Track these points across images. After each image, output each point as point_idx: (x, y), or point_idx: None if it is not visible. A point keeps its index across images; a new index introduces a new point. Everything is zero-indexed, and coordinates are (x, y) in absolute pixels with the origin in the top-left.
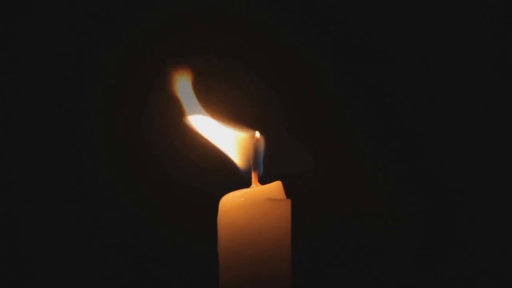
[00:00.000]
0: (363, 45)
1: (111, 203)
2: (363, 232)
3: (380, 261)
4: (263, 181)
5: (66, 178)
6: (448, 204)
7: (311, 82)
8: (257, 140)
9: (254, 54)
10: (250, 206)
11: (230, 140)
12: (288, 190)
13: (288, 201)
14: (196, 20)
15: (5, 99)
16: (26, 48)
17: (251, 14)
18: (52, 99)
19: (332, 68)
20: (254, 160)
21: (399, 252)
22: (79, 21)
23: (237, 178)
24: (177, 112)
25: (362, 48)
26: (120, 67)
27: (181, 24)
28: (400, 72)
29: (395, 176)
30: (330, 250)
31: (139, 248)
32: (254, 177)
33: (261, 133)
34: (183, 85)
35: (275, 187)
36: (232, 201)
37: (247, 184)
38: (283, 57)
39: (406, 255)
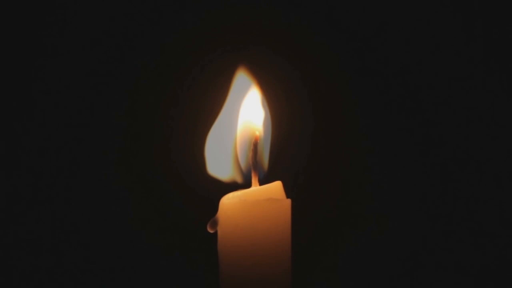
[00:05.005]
0: (365, 44)
1: (110, 203)
2: (363, 232)
3: (380, 260)
4: (263, 181)
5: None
6: (448, 204)
7: (311, 81)
8: (256, 140)
9: (253, 54)
10: (250, 206)
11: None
12: (288, 190)
13: (288, 201)
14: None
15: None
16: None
17: (253, 11)
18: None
19: (332, 66)
20: (254, 160)
21: (399, 251)
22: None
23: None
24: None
25: (362, 48)
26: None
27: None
28: (400, 72)
29: (395, 176)
30: (330, 250)
31: (139, 248)
32: (254, 177)
33: (261, 133)
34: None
35: (275, 187)
36: (232, 201)
37: (247, 184)
38: (283, 57)
39: (406, 254)
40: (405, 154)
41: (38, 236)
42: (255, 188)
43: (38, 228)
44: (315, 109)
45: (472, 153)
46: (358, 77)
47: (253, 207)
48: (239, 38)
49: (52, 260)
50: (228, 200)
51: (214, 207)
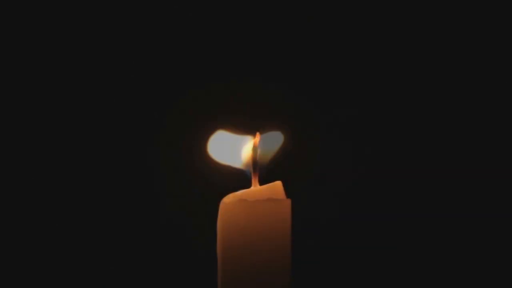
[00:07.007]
0: (363, 45)
1: (111, 203)
2: (363, 231)
3: (380, 260)
4: (263, 181)
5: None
6: (447, 203)
7: (311, 81)
8: (256, 140)
9: (253, 54)
10: (250, 206)
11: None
12: (288, 190)
13: (288, 201)
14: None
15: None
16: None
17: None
18: None
19: (332, 66)
20: (254, 160)
21: (399, 251)
22: None
23: (238, 178)
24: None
25: (361, 48)
26: None
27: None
28: (399, 72)
29: (395, 175)
30: (330, 250)
31: (139, 248)
32: (254, 177)
33: (261, 133)
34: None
35: (275, 187)
36: (232, 201)
37: (247, 184)
38: (283, 56)
39: (406, 254)
40: (405, 154)
41: (37, 236)
42: (255, 188)
43: (37, 228)
44: (315, 109)
45: (472, 153)
46: (358, 77)
47: (253, 207)
48: None
49: (52, 260)
50: (228, 200)
51: (214, 207)
